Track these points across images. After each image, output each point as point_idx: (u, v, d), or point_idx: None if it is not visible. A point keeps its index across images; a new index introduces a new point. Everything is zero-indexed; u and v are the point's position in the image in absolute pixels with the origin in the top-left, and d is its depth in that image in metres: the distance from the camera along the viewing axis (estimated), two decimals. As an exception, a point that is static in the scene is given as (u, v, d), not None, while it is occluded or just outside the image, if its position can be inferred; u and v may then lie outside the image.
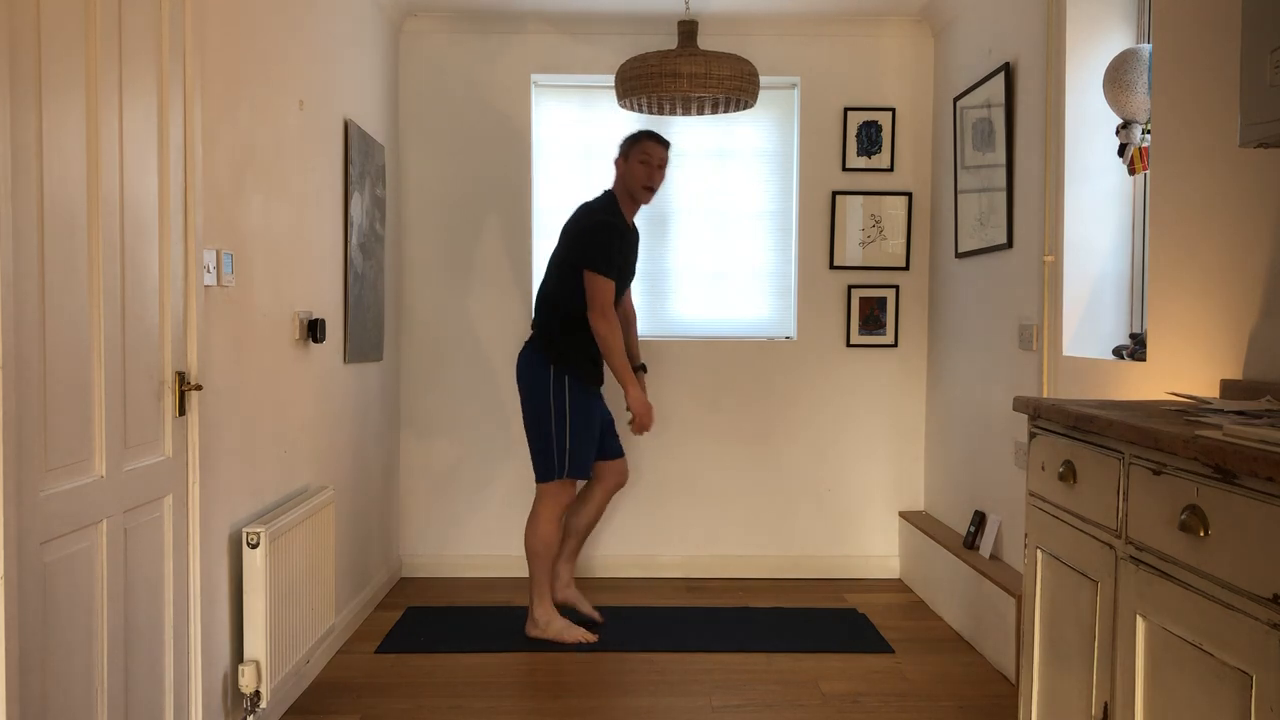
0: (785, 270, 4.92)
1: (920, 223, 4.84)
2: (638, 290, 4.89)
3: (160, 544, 2.40)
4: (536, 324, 3.94)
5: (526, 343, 3.96)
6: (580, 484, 3.97)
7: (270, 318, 3.11)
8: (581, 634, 3.84)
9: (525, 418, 3.90)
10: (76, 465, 2.05)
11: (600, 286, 3.75)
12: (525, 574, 4.79)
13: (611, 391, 4.20)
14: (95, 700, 2.12)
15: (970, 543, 4.07)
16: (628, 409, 3.86)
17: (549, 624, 3.86)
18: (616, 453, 4.06)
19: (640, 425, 3.86)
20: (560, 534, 3.92)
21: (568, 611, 4.03)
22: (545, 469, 3.84)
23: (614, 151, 4.01)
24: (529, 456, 4.90)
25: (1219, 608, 1.53)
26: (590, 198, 4.02)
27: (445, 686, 3.43)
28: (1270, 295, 2.25)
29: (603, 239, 3.79)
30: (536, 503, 3.91)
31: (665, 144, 3.97)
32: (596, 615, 4.05)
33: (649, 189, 3.92)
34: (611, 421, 4.07)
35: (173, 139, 2.43)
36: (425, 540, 4.84)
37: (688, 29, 3.98)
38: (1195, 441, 1.57)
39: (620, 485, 4.09)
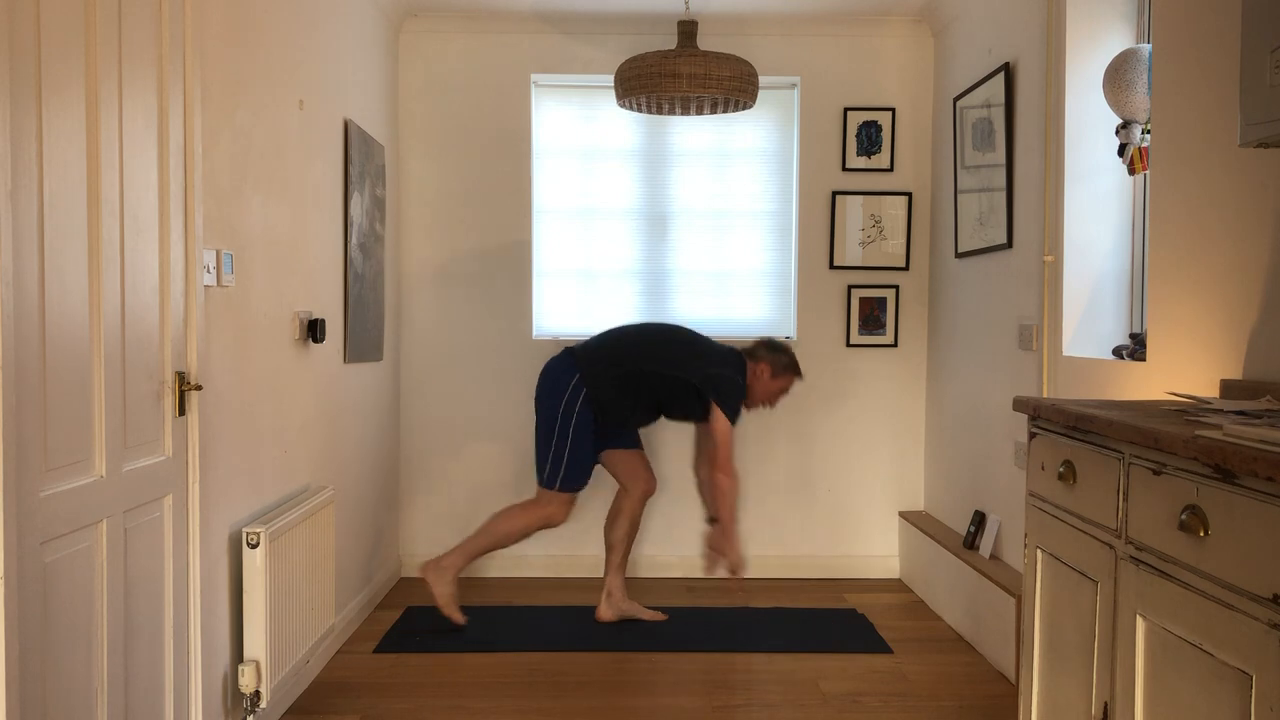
0: (785, 270, 4.92)
1: (920, 223, 4.84)
2: (638, 290, 4.89)
3: (160, 544, 2.40)
4: (589, 351, 3.96)
5: (562, 353, 4.01)
6: (574, 502, 4.00)
7: (270, 318, 3.11)
8: (455, 615, 3.92)
9: (537, 421, 3.98)
10: (76, 465, 2.05)
11: (732, 438, 3.87)
12: (523, 574, 4.80)
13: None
14: (95, 700, 2.12)
15: (970, 543, 4.07)
16: (719, 558, 3.92)
17: (441, 584, 3.92)
18: (633, 443, 4.13)
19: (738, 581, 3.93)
20: (520, 539, 4.00)
21: (628, 623, 4.07)
22: (543, 473, 3.95)
23: (757, 351, 4.04)
24: (529, 456, 4.91)
25: (1219, 608, 1.53)
26: (722, 346, 4.03)
27: (445, 686, 3.43)
28: (1270, 295, 2.25)
29: (740, 400, 3.94)
30: (532, 501, 3.99)
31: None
32: (660, 615, 4.13)
33: (753, 407, 4.10)
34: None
35: (173, 139, 2.43)
36: (425, 540, 4.84)
37: (687, 29, 3.98)
38: (1195, 441, 1.57)
39: (649, 493, 4.13)
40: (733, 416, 3.88)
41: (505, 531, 3.97)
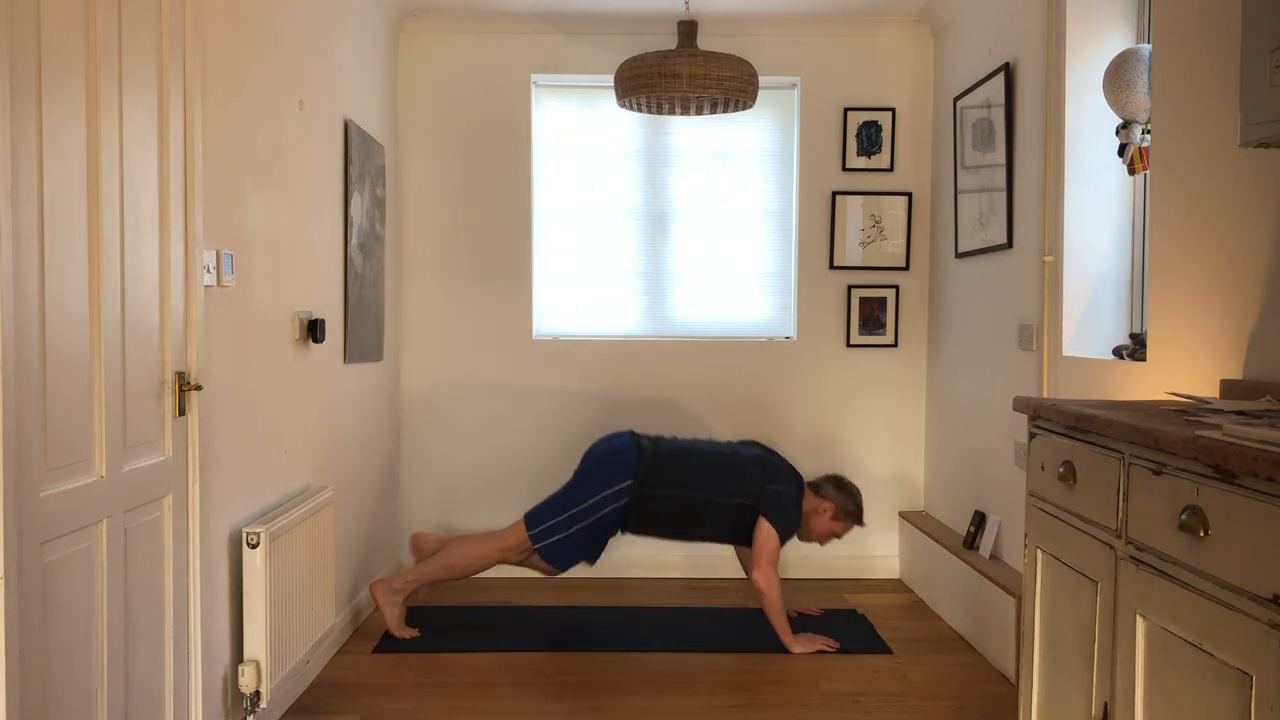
0: (785, 270, 4.92)
1: (920, 223, 4.84)
2: (638, 290, 4.89)
3: (160, 544, 2.40)
4: (653, 459, 3.85)
5: (633, 438, 3.92)
6: (532, 556, 3.90)
7: (270, 318, 3.11)
8: (405, 633, 3.85)
9: (573, 480, 3.89)
10: (76, 465, 2.05)
11: (777, 546, 3.81)
12: (522, 573, 4.80)
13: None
14: (95, 700, 2.12)
15: (970, 543, 4.07)
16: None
17: (389, 606, 3.85)
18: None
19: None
20: (478, 571, 3.90)
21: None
22: (538, 524, 3.82)
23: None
24: (529, 455, 4.91)
25: (1219, 608, 1.53)
26: (790, 466, 3.99)
27: (445, 686, 3.43)
28: (1270, 295, 2.25)
29: (796, 519, 3.90)
30: (503, 530, 3.90)
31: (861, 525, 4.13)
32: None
33: (806, 540, 4.08)
34: None
35: (173, 139, 2.43)
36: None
37: (687, 29, 3.99)
38: (1195, 441, 1.57)
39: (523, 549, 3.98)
40: (782, 532, 3.82)
41: (463, 564, 3.86)
